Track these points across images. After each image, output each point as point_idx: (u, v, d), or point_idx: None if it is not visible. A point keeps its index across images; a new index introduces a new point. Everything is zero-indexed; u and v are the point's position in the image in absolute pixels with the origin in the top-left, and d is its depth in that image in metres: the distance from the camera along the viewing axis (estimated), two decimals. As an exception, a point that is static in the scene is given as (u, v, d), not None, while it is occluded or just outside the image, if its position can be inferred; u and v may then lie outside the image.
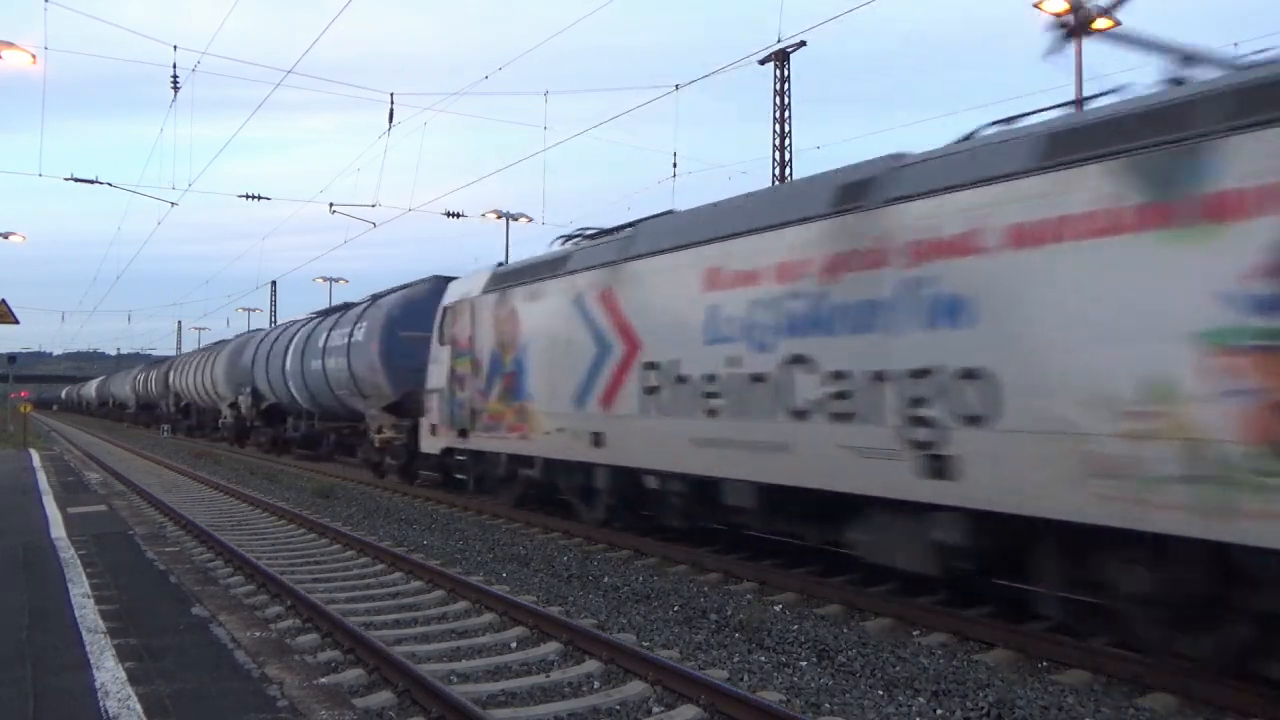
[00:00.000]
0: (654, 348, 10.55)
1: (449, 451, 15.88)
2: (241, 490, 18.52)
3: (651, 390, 10.54)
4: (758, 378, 8.98)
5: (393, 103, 21.59)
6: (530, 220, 38.36)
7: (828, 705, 6.02)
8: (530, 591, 9.30)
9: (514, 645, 7.50)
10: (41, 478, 18.54)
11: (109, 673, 5.39)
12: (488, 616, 8.34)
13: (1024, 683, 6.42)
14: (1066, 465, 6.28)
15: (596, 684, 6.50)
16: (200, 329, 78.12)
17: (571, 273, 12.35)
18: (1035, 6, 17.67)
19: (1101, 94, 7.01)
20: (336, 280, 55.42)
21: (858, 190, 8.23)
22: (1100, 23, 18.27)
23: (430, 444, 16.48)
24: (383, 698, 6.11)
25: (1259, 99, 5.59)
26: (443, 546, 12.03)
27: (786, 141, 25.94)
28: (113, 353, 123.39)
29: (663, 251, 10.61)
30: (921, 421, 7.32)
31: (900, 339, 7.55)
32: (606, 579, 9.85)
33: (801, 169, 26.35)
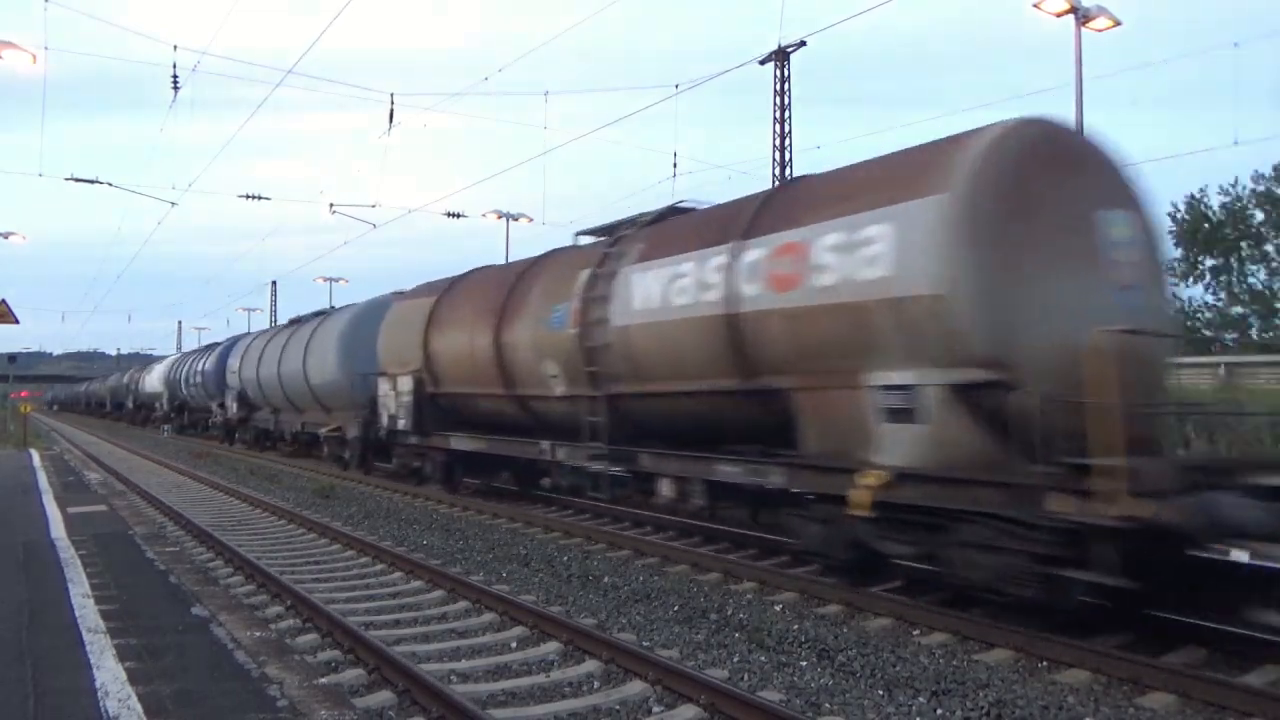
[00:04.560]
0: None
1: None
2: (242, 490, 18.52)
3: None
4: None
5: (393, 103, 21.69)
6: (531, 220, 38.50)
7: (828, 705, 6.02)
8: (530, 591, 9.30)
9: (514, 645, 7.50)
10: (41, 477, 18.53)
11: (109, 672, 5.39)
12: (488, 616, 8.34)
13: (1024, 682, 6.42)
14: None
15: (597, 684, 6.50)
16: (200, 329, 78.14)
17: None
18: (1035, 7, 17.72)
19: None
20: (337, 280, 55.36)
21: None
22: (1100, 21, 18.32)
23: None
24: (383, 697, 6.11)
25: None
26: (443, 546, 12.03)
27: (786, 141, 25.96)
28: (113, 352, 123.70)
29: None
30: None
31: None
32: (607, 579, 9.85)
33: (801, 168, 26.37)
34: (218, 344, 39.39)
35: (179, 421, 42.37)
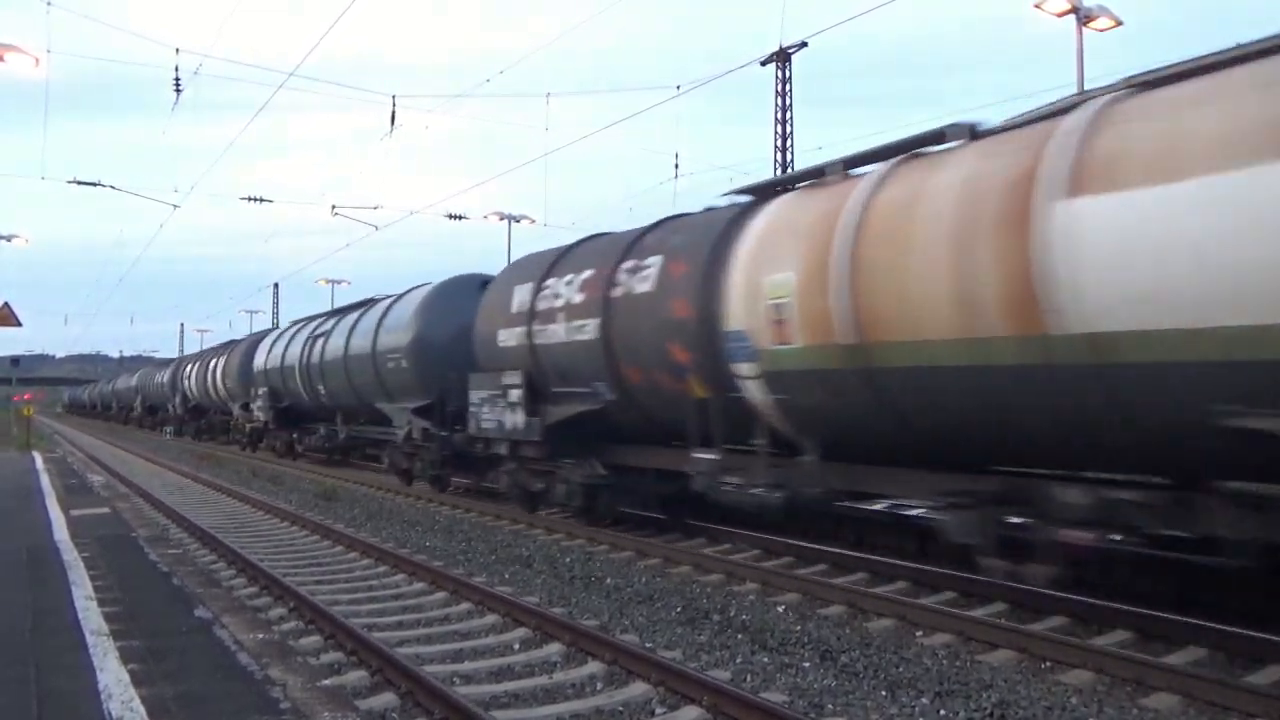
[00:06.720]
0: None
1: None
2: (245, 492, 18.53)
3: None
4: None
5: (394, 105, 21.69)
6: (533, 222, 38.51)
7: (831, 706, 6.02)
8: (533, 593, 9.30)
9: (517, 647, 7.50)
10: (44, 480, 18.55)
11: (112, 675, 5.40)
12: (491, 618, 8.34)
13: (1027, 683, 6.41)
14: None
15: (599, 685, 6.50)
16: (203, 331, 78.14)
17: None
18: (1036, 7, 17.70)
19: None
20: (339, 282, 55.21)
21: None
22: (1101, 21, 18.31)
23: None
24: (386, 700, 6.11)
25: None
26: (445, 548, 12.03)
27: (788, 142, 25.95)
28: (115, 355, 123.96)
29: None
30: None
31: None
32: (609, 580, 9.85)
33: (803, 170, 26.37)
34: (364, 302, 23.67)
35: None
